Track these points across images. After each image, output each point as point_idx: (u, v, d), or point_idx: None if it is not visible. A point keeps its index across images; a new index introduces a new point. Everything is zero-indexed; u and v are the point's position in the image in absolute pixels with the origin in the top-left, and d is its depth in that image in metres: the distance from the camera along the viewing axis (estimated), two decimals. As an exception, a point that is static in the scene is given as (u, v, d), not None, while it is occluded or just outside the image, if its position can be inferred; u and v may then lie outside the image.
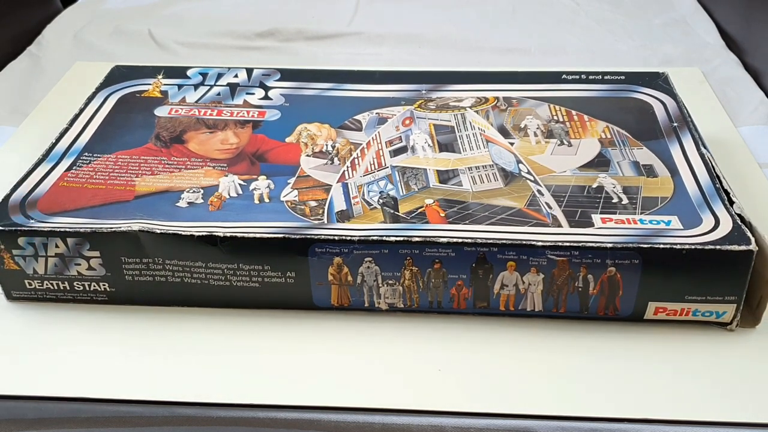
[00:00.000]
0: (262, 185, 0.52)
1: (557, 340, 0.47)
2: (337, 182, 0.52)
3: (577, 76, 0.64)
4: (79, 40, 0.88)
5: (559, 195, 0.50)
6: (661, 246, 0.45)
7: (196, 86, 0.64)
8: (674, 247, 0.45)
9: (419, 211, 0.49)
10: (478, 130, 0.57)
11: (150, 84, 0.64)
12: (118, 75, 0.66)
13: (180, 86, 0.64)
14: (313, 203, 0.50)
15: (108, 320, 0.49)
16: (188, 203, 0.50)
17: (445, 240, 0.46)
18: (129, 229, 0.47)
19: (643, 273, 0.45)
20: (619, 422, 0.42)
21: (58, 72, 0.80)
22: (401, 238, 0.46)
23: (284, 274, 0.48)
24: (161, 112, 0.60)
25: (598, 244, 0.45)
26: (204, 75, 0.65)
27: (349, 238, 0.46)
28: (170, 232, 0.47)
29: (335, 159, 0.55)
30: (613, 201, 0.49)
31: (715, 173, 0.51)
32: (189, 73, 0.66)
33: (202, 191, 0.51)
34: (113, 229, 0.47)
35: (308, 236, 0.46)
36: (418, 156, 0.55)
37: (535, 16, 0.92)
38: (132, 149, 0.56)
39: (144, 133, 0.58)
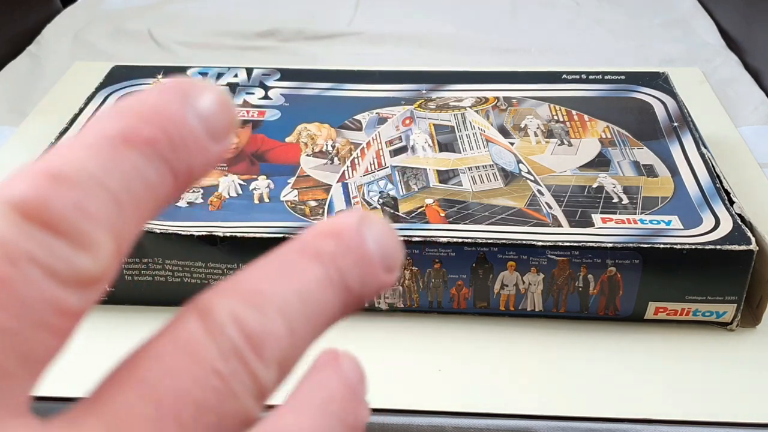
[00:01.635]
0: (261, 185, 0.52)
1: (557, 340, 0.47)
2: (337, 182, 0.52)
3: (577, 76, 0.64)
4: (78, 40, 0.88)
5: (559, 195, 0.50)
6: (662, 246, 0.45)
7: (196, 86, 0.63)
8: (674, 247, 0.45)
9: (419, 211, 0.49)
10: (478, 130, 0.57)
11: (150, 84, 0.64)
12: (118, 75, 0.65)
13: (180, 86, 0.63)
14: (313, 203, 0.50)
15: (108, 320, 0.49)
16: (188, 203, 0.50)
17: (445, 240, 0.46)
18: (129, 229, 0.47)
19: (644, 273, 0.45)
20: (619, 422, 0.42)
21: (58, 72, 0.80)
22: (401, 238, 0.46)
23: (284, 274, 0.47)
24: (161, 112, 0.60)
25: (598, 244, 0.45)
26: (204, 75, 0.65)
27: (349, 238, 0.46)
28: (170, 232, 0.47)
29: (335, 159, 0.55)
30: (614, 201, 0.49)
31: (716, 173, 0.51)
32: (189, 72, 0.66)
33: (201, 191, 0.51)
34: (113, 229, 0.47)
35: (308, 236, 0.46)
36: (418, 156, 0.55)
37: (534, 16, 0.92)
38: (132, 149, 0.56)
39: (144, 133, 0.57)
